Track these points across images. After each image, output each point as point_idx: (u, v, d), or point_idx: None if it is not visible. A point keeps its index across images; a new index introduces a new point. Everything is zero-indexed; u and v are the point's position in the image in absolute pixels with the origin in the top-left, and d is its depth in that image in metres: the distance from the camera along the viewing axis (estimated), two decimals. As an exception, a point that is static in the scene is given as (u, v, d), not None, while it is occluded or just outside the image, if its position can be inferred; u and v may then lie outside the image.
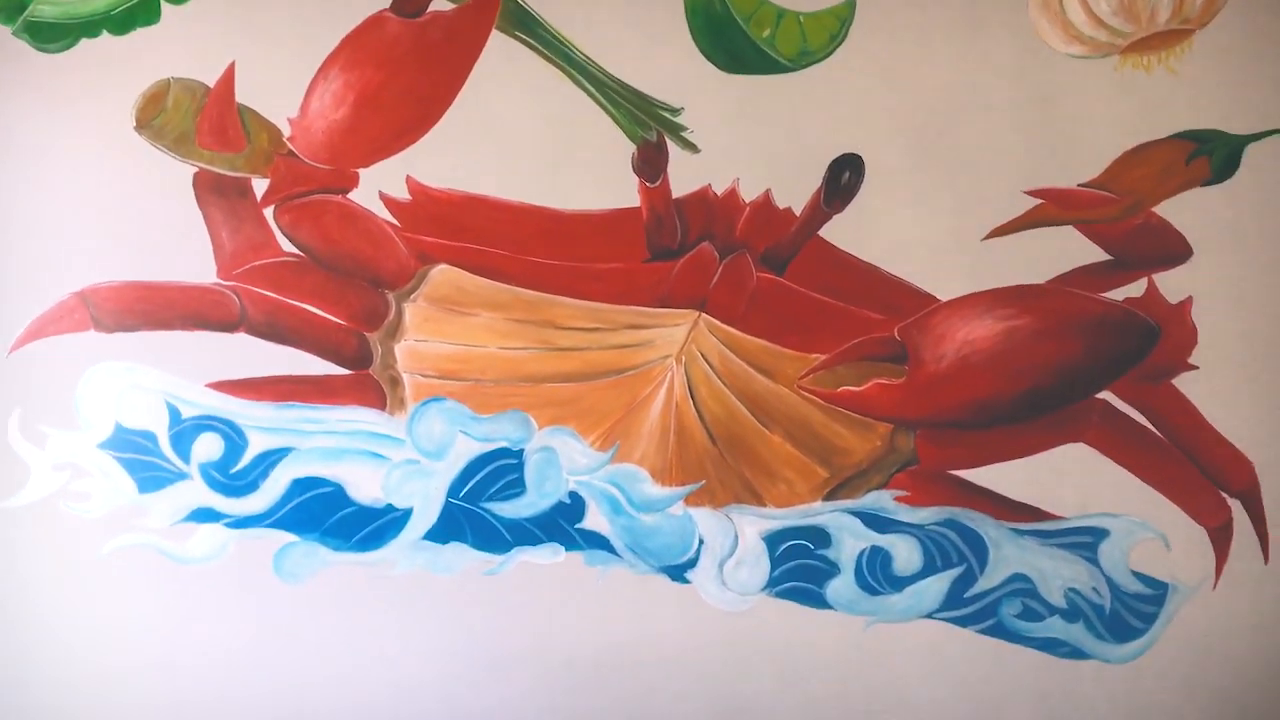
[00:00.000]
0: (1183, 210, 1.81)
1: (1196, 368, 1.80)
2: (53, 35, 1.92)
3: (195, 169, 1.86)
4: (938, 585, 1.82)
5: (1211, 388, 1.79)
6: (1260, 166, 1.80)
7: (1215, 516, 1.81)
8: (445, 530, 1.84)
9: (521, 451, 1.85)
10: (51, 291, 1.86)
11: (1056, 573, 1.82)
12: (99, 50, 1.86)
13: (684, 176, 1.84)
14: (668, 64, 1.84)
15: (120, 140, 1.87)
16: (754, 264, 1.85)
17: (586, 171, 1.85)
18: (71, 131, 1.87)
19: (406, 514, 1.85)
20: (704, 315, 1.86)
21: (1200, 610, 1.79)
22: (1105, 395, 1.81)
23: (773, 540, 1.84)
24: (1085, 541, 1.81)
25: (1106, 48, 1.83)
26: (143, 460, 1.87)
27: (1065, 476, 1.81)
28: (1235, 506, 1.80)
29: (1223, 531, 1.80)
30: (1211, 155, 1.80)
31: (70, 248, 1.87)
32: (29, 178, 1.87)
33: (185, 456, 1.88)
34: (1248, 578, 1.79)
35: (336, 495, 1.85)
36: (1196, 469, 1.80)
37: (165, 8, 1.91)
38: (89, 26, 1.92)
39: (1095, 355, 1.80)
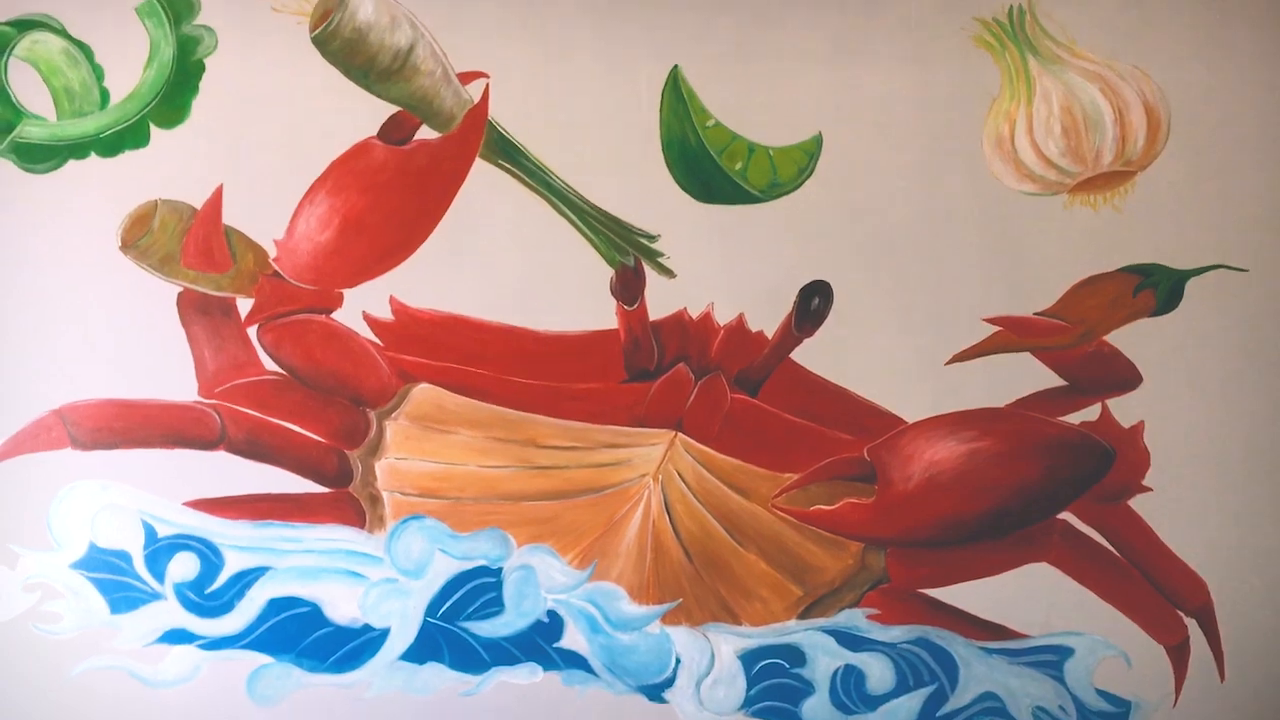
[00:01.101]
0: (1133, 339, 1.93)
1: (1150, 489, 1.91)
2: (40, 156, 2.00)
3: (179, 288, 1.96)
4: (910, 704, 1.88)
5: (1165, 509, 1.90)
6: (1202, 298, 1.94)
7: (1173, 635, 1.90)
8: (423, 650, 1.87)
9: (500, 570, 1.89)
10: (29, 409, 1.88)
11: (1024, 691, 1.89)
12: (86, 171, 1.91)
13: (660, 300, 1.93)
14: (645, 193, 1.94)
15: (104, 259, 1.91)
16: (728, 385, 1.93)
17: (566, 294, 1.93)
18: (55, 250, 1.90)
19: (384, 634, 1.87)
20: (680, 435, 1.93)
21: None
22: (1066, 516, 1.91)
23: (749, 659, 1.89)
24: (1051, 660, 1.89)
25: (1056, 186, 1.97)
26: (116, 580, 1.87)
27: (1030, 595, 1.89)
28: (1192, 625, 1.90)
29: (1180, 649, 1.89)
30: (1156, 288, 1.94)
31: (51, 365, 1.88)
32: (10, 295, 1.90)
33: (160, 576, 1.90)
34: (1206, 694, 1.87)
35: (313, 615, 1.87)
36: (1153, 588, 1.90)
37: (154, 131, 2.01)
38: (77, 148, 2.00)
39: (1053, 476, 1.90)
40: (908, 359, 1.98)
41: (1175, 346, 1.98)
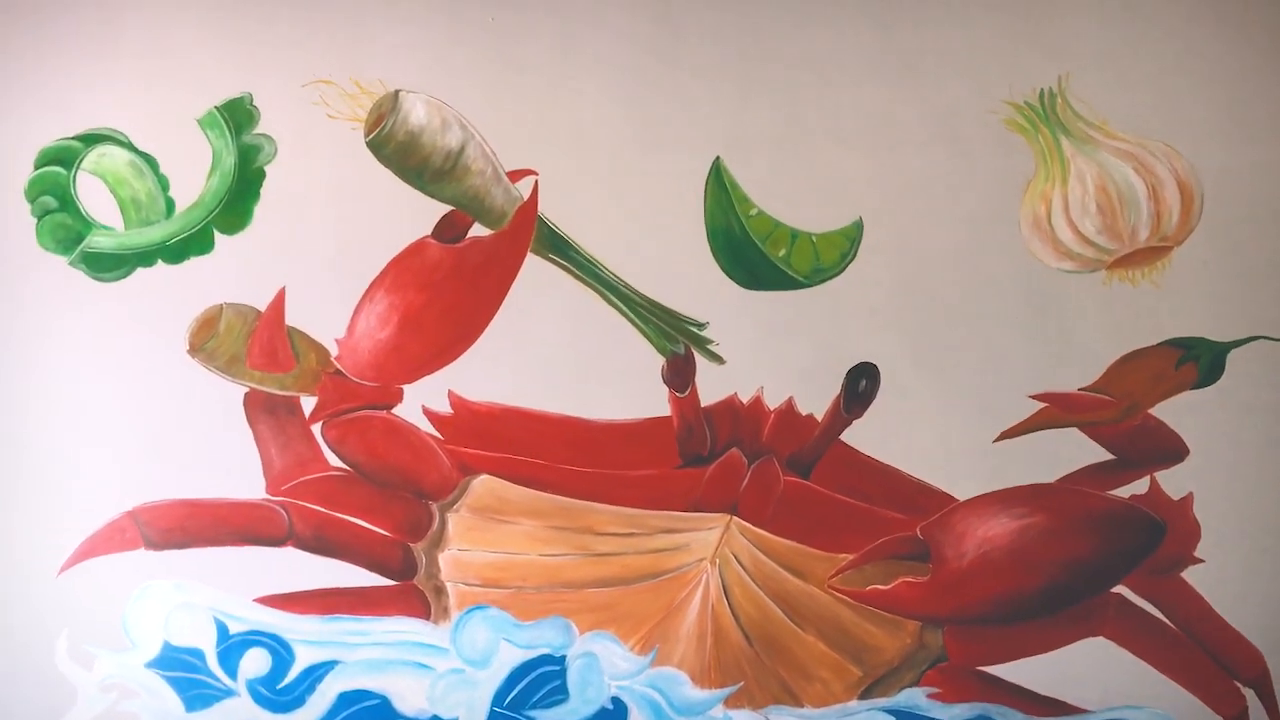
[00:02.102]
0: (1177, 412, 2.00)
1: (1202, 561, 1.98)
2: (109, 265, 2.14)
3: (245, 389, 2.07)
4: None
5: (1218, 580, 1.96)
6: (1244, 370, 2.01)
7: (1231, 706, 1.95)
8: None
9: (564, 658, 1.96)
10: (103, 511, 2.00)
11: None
12: (154, 278, 2.02)
13: (711, 386, 2.02)
14: (692, 282, 2.03)
15: (173, 363, 2.00)
16: (781, 468, 2.02)
17: (618, 383, 2.02)
18: (125, 355, 1.99)
19: None
20: (735, 519, 2.02)
21: None
22: (1120, 589, 1.97)
23: None
24: None
25: (1094, 263, 2.06)
26: (190, 679, 1.95)
27: (1088, 669, 1.95)
28: (1250, 695, 1.95)
29: None
30: (1198, 361, 2.02)
31: (123, 467, 1.97)
32: (83, 400, 1.99)
33: (232, 673, 1.99)
34: None
35: (383, 708, 1.94)
36: (1209, 659, 1.96)
37: (218, 237, 2.16)
38: (145, 256, 2.14)
39: (1106, 550, 1.97)
40: (956, 437, 2.06)
41: (1219, 418, 2.05)
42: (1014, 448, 2.03)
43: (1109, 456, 2.03)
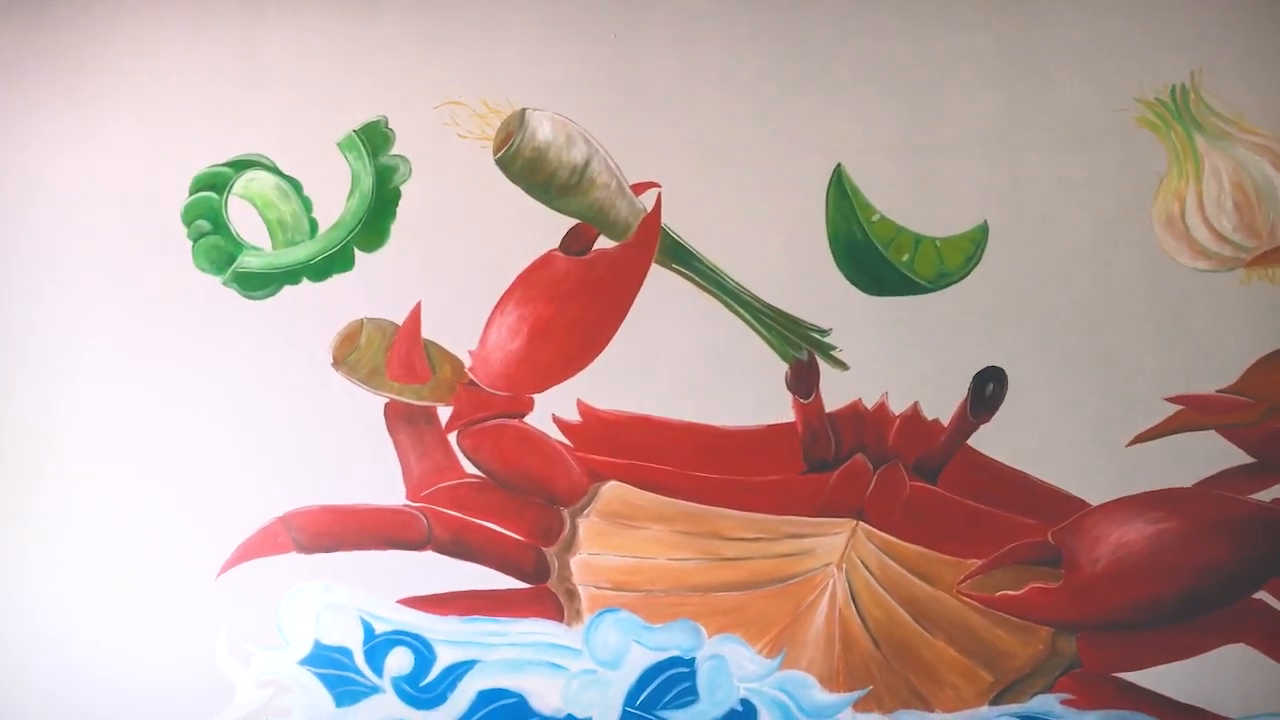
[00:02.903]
0: None
1: None
2: (259, 284, 2.34)
3: (385, 400, 2.24)
4: None
5: None
6: None
7: None
8: None
9: (693, 660, 2.04)
10: (256, 517, 2.17)
11: None
12: (299, 295, 2.17)
13: (835, 392, 2.08)
14: (815, 288, 2.08)
15: (318, 376, 2.16)
16: (907, 473, 2.07)
17: (743, 390, 2.08)
18: (275, 370, 2.14)
19: None
20: (861, 524, 2.07)
21: None
22: (1262, 595, 1.95)
23: None
24: None
25: (1231, 261, 2.04)
26: (340, 675, 2.10)
27: (1229, 676, 1.94)
28: None
29: None
30: None
31: (274, 476, 2.12)
32: (236, 413, 2.15)
33: (378, 670, 2.13)
34: None
35: (520, 706, 2.05)
36: None
37: (358, 255, 2.34)
38: (291, 275, 2.32)
39: (1247, 555, 1.95)
40: (1087, 441, 2.06)
41: None
42: (1148, 451, 2.03)
43: (1248, 459, 2.01)
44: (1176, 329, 2.05)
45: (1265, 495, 1.99)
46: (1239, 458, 2.01)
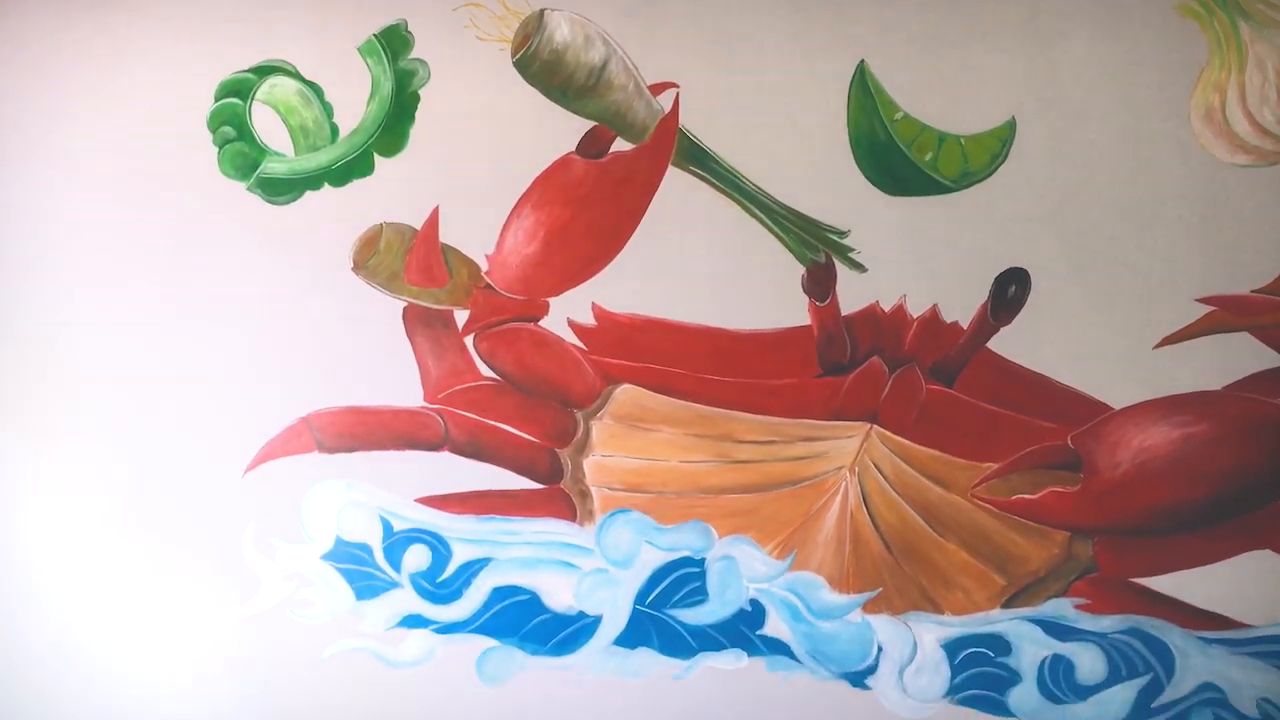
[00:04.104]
0: None
1: None
2: (282, 189, 2.41)
3: (404, 303, 2.27)
4: (1124, 694, 1.96)
5: None
6: None
7: None
8: (634, 636, 2.09)
9: (703, 560, 2.10)
10: (280, 417, 2.21)
11: (1249, 682, 1.92)
12: (321, 200, 2.22)
13: (853, 295, 2.08)
14: (834, 189, 2.07)
15: (339, 280, 2.20)
16: (923, 377, 2.07)
17: (759, 293, 2.09)
18: (297, 273, 2.20)
19: (597, 620, 2.11)
20: (876, 427, 2.07)
21: None
22: None
23: (952, 648, 2.02)
24: (1277, 650, 1.92)
25: (1272, 156, 1.98)
26: (360, 570, 2.19)
27: (1254, 583, 1.93)
28: None
29: None
30: None
31: (297, 378, 2.19)
32: (260, 316, 2.21)
33: (397, 566, 2.22)
34: None
35: (532, 603, 2.13)
36: None
37: (378, 160, 2.36)
38: (313, 180, 2.35)
39: (1276, 460, 1.93)
40: (1112, 344, 2.02)
41: None
42: (1176, 354, 1.99)
43: None
44: (1212, 227, 2.00)
45: None
46: (1271, 360, 1.97)
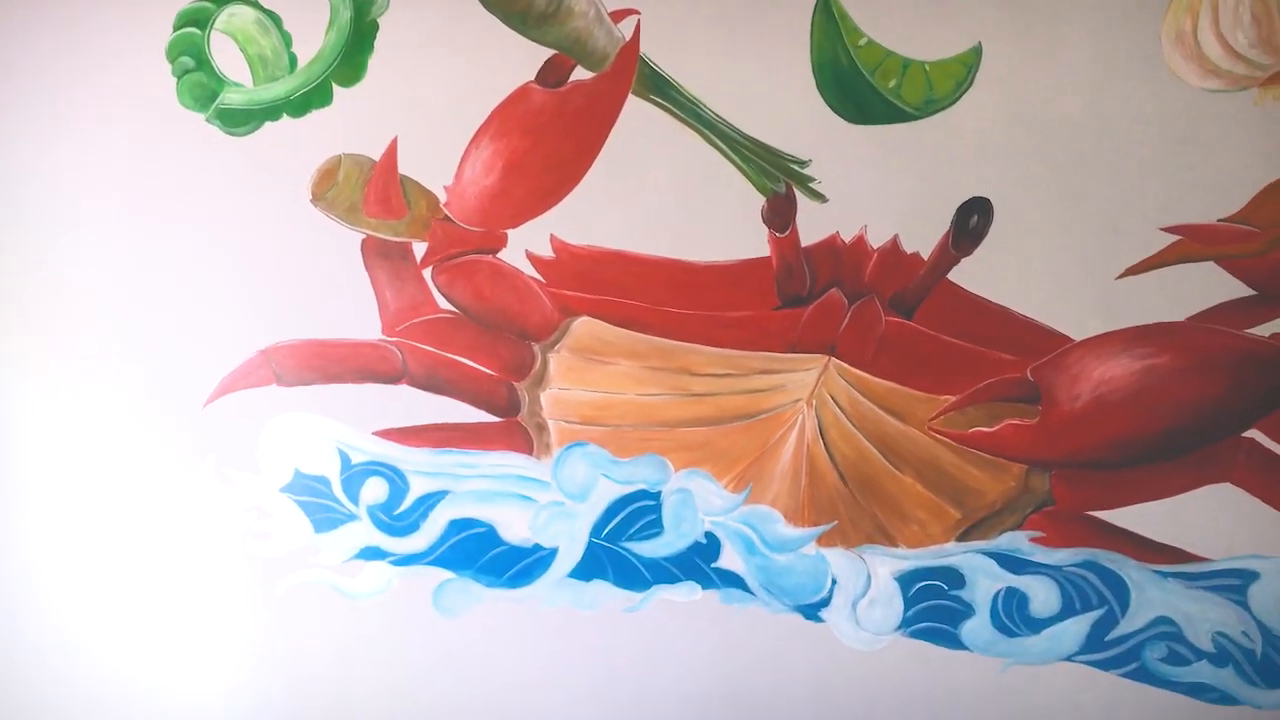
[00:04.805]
0: None
1: None
2: (240, 120, 2.32)
3: (363, 236, 2.19)
4: (1077, 628, 1.94)
5: None
6: None
7: None
8: (589, 568, 2.08)
9: (659, 493, 2.06)
10: (239, 350, 2.17)
11: (1203, 616, 1.90)
12: (279, 132, 2.18)
13: (814, 226, 2.03)
14: (795, 118, 2.01)
15: (298, 212, 2.15)
16: (883, 308, 2.02)
17: (718, 224, 2.05)
18: (256, 205, 2.16)
19: (552, 553, 2.09)
20: (834, 360, 2.02)
21: None
22: (1253, 433, 1.89)
23: (905, 580, 2.00)
24: (1233, 584, 1.89)
25: (1245, 81, 1.91)
26: (318, 503, 2.15)
27: (1211, 517, 1.89)
28: None
29: None
30: None
31: (254, 310, 2.15)
32: (217, 250, 2.17)
33: (355, 499, 2.16)
34: None
35: (489, 535, 2.11)
36: None
37: (336, 90, 2.26)
38: (271, 111, 2.28)
39: (1240, 392, 1.88)
40: (1075, 275, 1.95)
41: None
42: (1140, 285, 1.94)
43: (1249, 292, 1.92)
44: (1181, 155, 1.93)
45: (1263, 330, 1.90)
46: (1237, 291, 1.91)
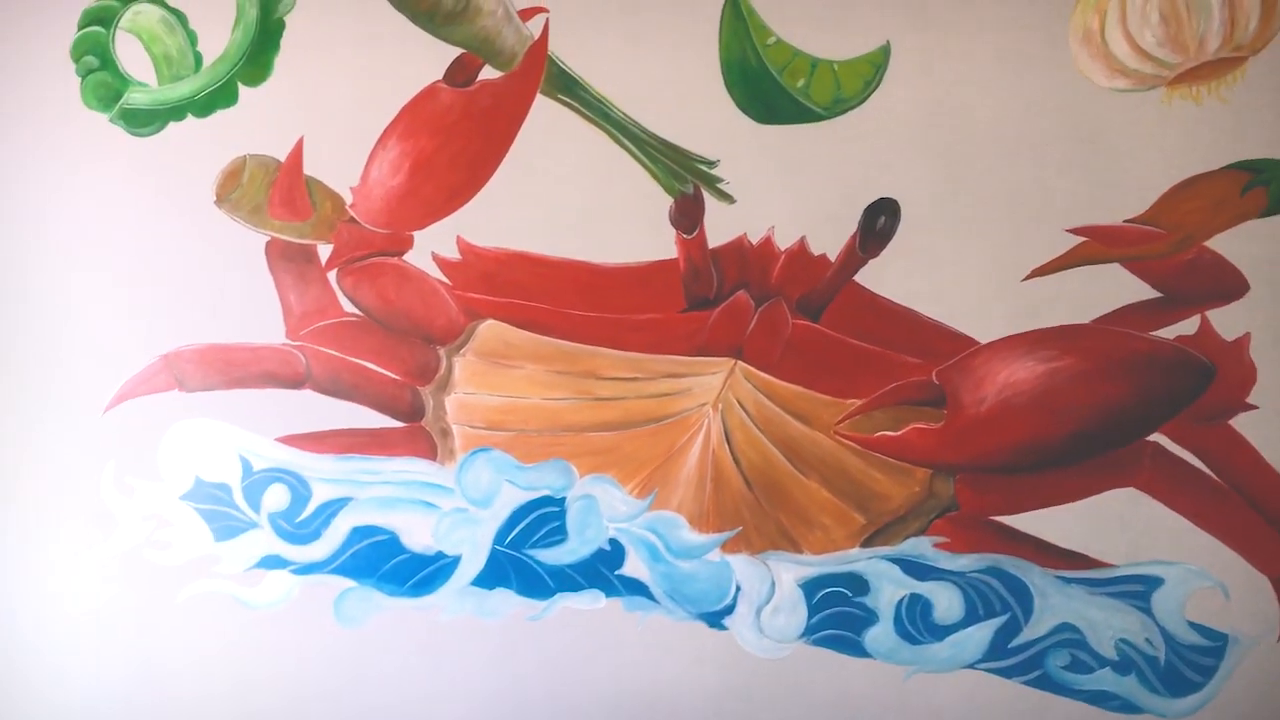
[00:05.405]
0: (1238, 243, 1.85)
1: (1256, 407, 1.86)
2: (144, 121, 2.28)
3: (268, 238, 2.19)
4: (980, 634, 1.91)
5: (1272, 427, 1.85)
6: None
7: (1278, 564, 1.89)
8: (492, 576, 2.02)
9: (564, 499, 2.01)
10: (140, 355, 2.10)
11: (1107, 623, 1.87)
12: (184, 132, 2.13)
13: (722, 227, 2.00)
14: (704, 118, 1.98)
15: (202, 214, 2.10)
16: (789, 311, 1.97)
17: (626, 226, 2.01)
18: (160, 207, 2.11)
19: (456, 561, 2.02)
20: (740, 363, 1.98)
21: (1264, 663, 1.84)
22: (1157, 437, 1.87)
23: (810, 587, 1.95)
24: (1137, 590, 1.86)
25: (1153, 80, 1.89)
26: (218, 511, 2.09)
27: (1114, 522, 1.86)
28: None
29: None
30: (1269, 185, 1.87)
31: (158, 314, 2.10)
32: (121, 252, 2.13)
33: (256, 507, 2.08)
34: None
35: (391, 543, 2.05)
36: (1257, 514, 1.85)
37: (242, 90, 2.20)
38: (176, 111, 2.22)
39: (1144, 396, 1.86)
40: (982, 277, 1.91)
41: None
42: (1046, 287, 1.91)
43: (1154, 294, 1.89)
44: (1088, 155, 1.90)
45: (1168, 332, 1.86)
46: (1142, 293, 1.88)
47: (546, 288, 2.04)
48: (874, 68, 1.88)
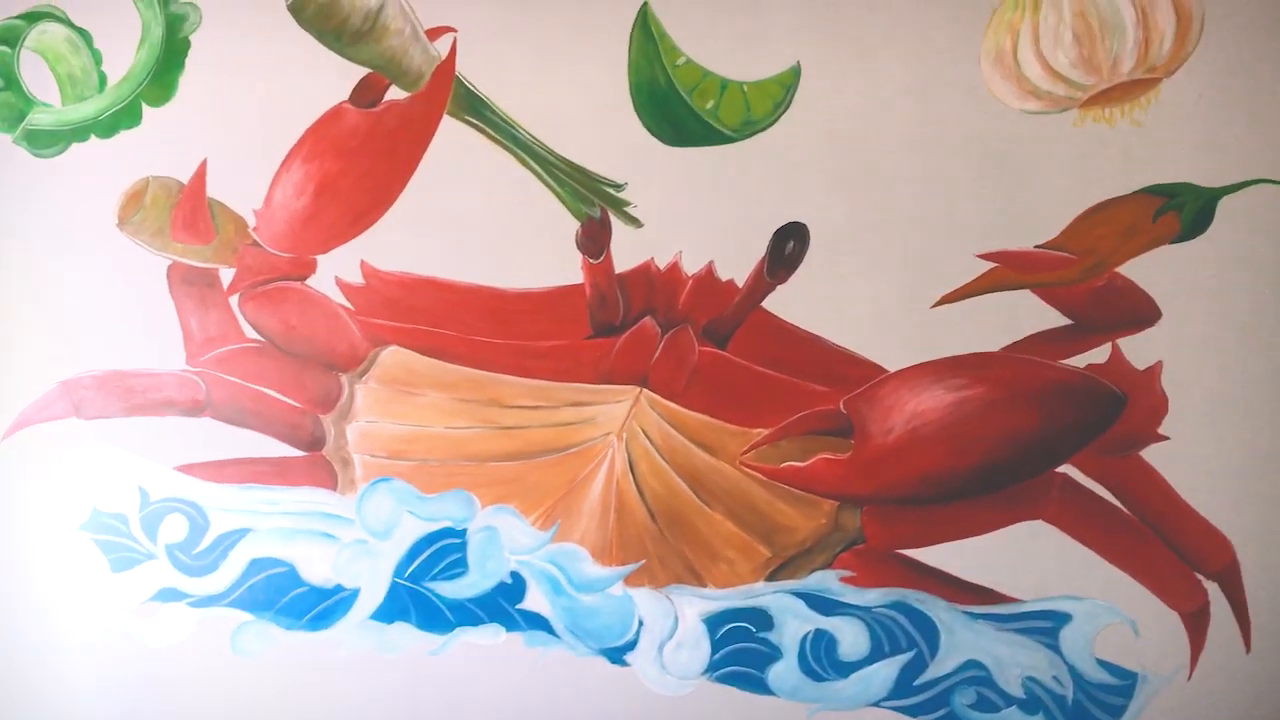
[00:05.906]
0: (1150, 269, 1.80)
1: (1167, 438, 1.82)
2: (47, 142, 2.27)
3: (170, 261, 2.16)
4: (886, 671, 1.86)
5: (1185, 459, 1.81)
6: (1234, 220, 1.81)
7: (1190, 601, 1.81)
8: (391, 610, 1.94)
9: (465, 531, 1.94)
10: (38, 381, 2.05)
11: (1014, 660, 1.83)
12: (87, 153, 2.09)
13: (630, 251, 1.94)
14: (613, 140, 1.93)
15: (104, 237, 2.02)
16: (696, 338, 1.91)
17: (532, 250, 1.96)
18: (61, 230, 2.06)
19: (354, 594, 1.94)
20: (645, 391, 1.92)
21: (1174, 702, 1.80)
22: (1066, 469, 1.82)
23: (713, 622, 1.89)
24: (1045, 627, 1.82)
25: (1065, 102, 1.84)
26: (115, 542, 2.03)
27: (1024, 557, 1.81)
28: (1213, 589, 1.79)
29: (1198, 617, 1.80)
30: (1182, 210, 1.82)
31: (56, 340, 2.04)
32: (21, 275, 2.06)
33: (153, 537, 2.03)
34: (1226, 667, 1.78)
35: (289, 575, 1.96)
36: (1169, 549, 1.80)
37: (146, 110, 2.32)
38: (79, 132, 2.20)
39: (1054, 426, 1.81)
40: (891, 303, 1.85)
41: (1201, 275, 1.80)
42: (955, 314, 1.86)
43: (1065, 322, 1.85)
44: (998, 179, 1.85)
45: (1079, 360, 1.82)
46: (1053, 320, 1.83)
47: (451, 313, 1.97)
48: (784, 89, 1.85)
